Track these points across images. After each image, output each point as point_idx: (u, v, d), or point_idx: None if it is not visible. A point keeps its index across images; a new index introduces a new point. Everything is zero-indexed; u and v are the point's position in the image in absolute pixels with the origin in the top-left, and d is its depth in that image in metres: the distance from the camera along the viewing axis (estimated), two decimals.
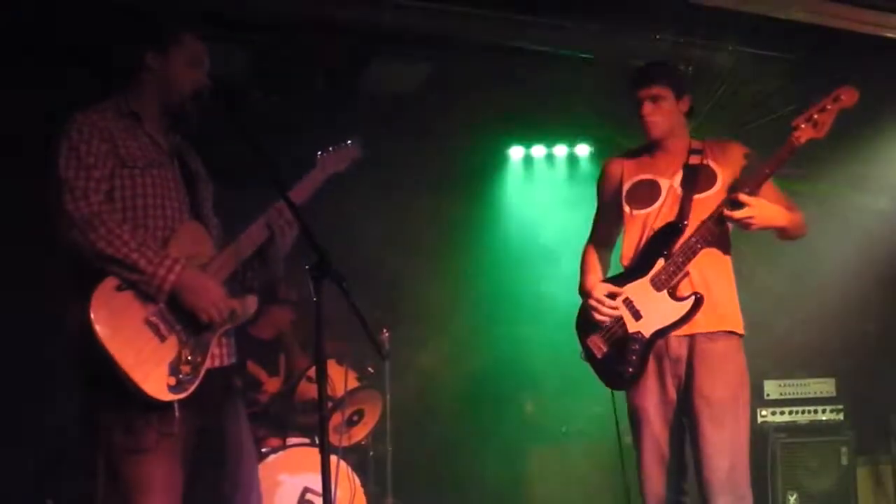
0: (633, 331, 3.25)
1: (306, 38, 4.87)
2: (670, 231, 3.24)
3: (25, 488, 4.75)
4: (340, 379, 4.51)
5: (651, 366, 3.25)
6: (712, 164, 3.31)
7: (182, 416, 2.63)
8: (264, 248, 2.92)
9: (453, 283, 6.32)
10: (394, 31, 4.61)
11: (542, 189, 6.70)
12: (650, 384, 3.26)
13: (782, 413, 5.35)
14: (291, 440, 4.55)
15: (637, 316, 3.26)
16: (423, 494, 5.67)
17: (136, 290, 2.61)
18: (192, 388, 2.65)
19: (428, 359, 6.27)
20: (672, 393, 3.24)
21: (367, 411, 4.90)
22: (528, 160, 6.79)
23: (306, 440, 4.55)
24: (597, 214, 3.59)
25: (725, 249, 3.30)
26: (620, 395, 3.37)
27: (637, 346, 3.24)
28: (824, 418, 5.40)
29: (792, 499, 5.16)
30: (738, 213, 3.10)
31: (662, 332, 3.21)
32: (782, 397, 5.39)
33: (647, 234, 3.30)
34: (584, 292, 3.41)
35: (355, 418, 4.84)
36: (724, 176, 3.28)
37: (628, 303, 3.28)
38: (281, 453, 4.36)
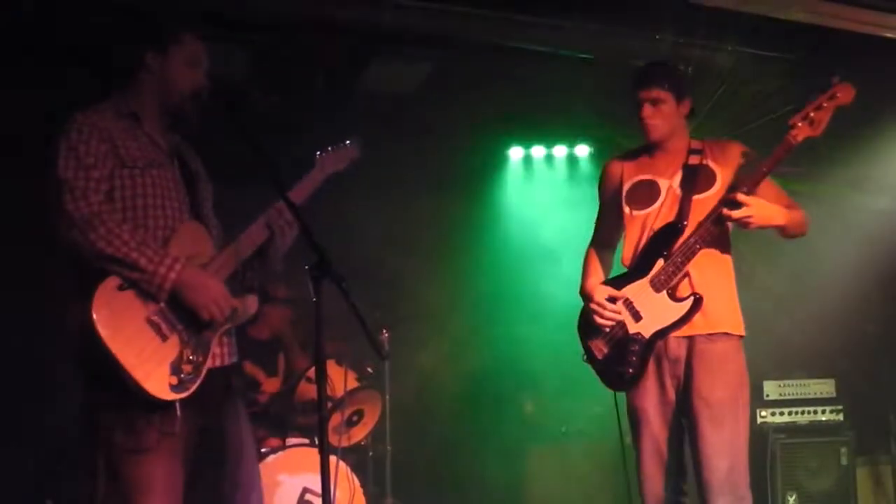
0: (633, 332, 3.25)
1: (306, 38, 4.86)
2: (670, 231, 3.24)
3: (25, 488, 4.75)
4: (340, 379, 4.51)
5: (650, 367, 3.25)
6: (711, 164, 3.31)
7: (183, 416, 2.63)
8: (264, 247, 2.92)
9: (453, 283, 6.32)
10: (394, 31, 4.60)
11: (542, 189, 6.70)
12: (649, 385, 3.26)
13: (782, 413, 5.35)
14: (291, 440, 4.56)
15: (637, 317, 3.26)
16: (422, 495, 5.67)
17: (138, 289, 2.61)
18: (194, 387, 2.65)
19: (427, 359, 6.27)
20: (671, 394, 3.24)
21: (367, 412, 4.91)
22: (527, 160, 6.79)
23: (306, 440, 4.55)
24: (598, 216, 3.59)
25: (725, 249, 3.29)
26: (622, 395, 3.37)
27: (637, 347, 3.24)
28: (824, 419, 5.40)
29: (791, 499, 5.16)
30: (736, 213, 3.10)
31: (662, 333, 3.21)
32: (782, 398, 5.40)
33: (647, 234, 3.30)
34: (585, 295, 3.41)
35: (355, 419, 4.84)
36: (723, 176, 3.28)
37: (628, 304, 3.28)
38: (280, 453, 4.36)
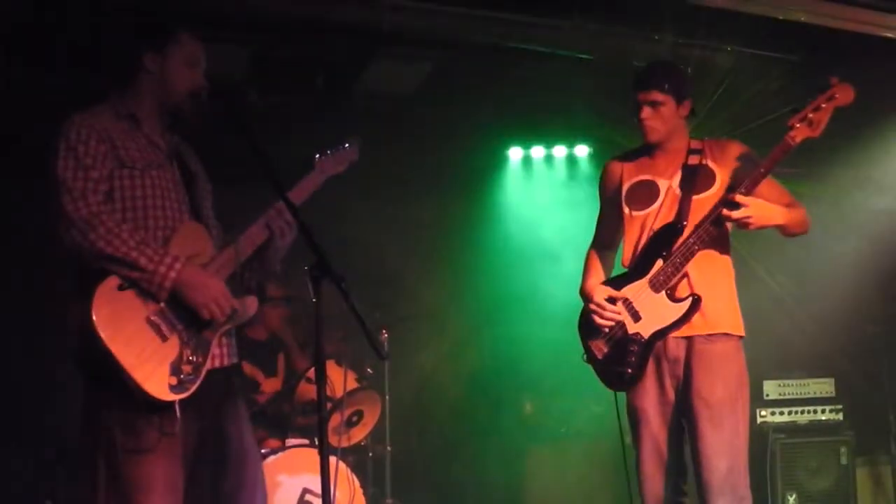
0: (632, 332, 3.26)
1: (306, 38, 4.86)
2: (669, 232, 3.24)
3: (25, 488, 4.75)
4: (340, 380, 4.51)
5: (650, 367, 3.25)
6: (711, 164, 3.30)
7: (183, 416, 2.63)
8: (263, 248, 2.92)
9: (452, 283, 6.33)
10: (394, 32, 4.60)
11: (542, 190, 6.70)
12: (649, 385, 3.26)
13: (782, 413, 5.35)
14: (290, 441, 4.56)
15: (636, 317, 3.26)
16: (422, 495, 5.68)
17: (138, 289, 2.61)
18: (194, 387, 2.65)
19: (427, 359, 6.28)
20: (671, 394, 3.24)
21: (367, 412, 4.91)
22: (527, 160, 6.80)
23: (305, 441, 4.55)
24: (599, 216, 3.59)
25: (725, 250, 3.29)
26: (622, 394, 3.37)
27: (636, 347, 3.24)
28: (823, 418, 5.39)
29: (791, 499, 5.16)
30: (734, 214, 3.10)
31: (661, 334, 3.22)
32: (781, 397, 5.39)
33: (647, 234, 3.30)
34: (585, 295, 3.41)
35: (354, 419, 4.84)
36: (722, 176, 3.27)
37: (628, 304, 3.28)
38: (280, 454, 4.36)
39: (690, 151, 3.35)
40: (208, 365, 2.72)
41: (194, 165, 2.97)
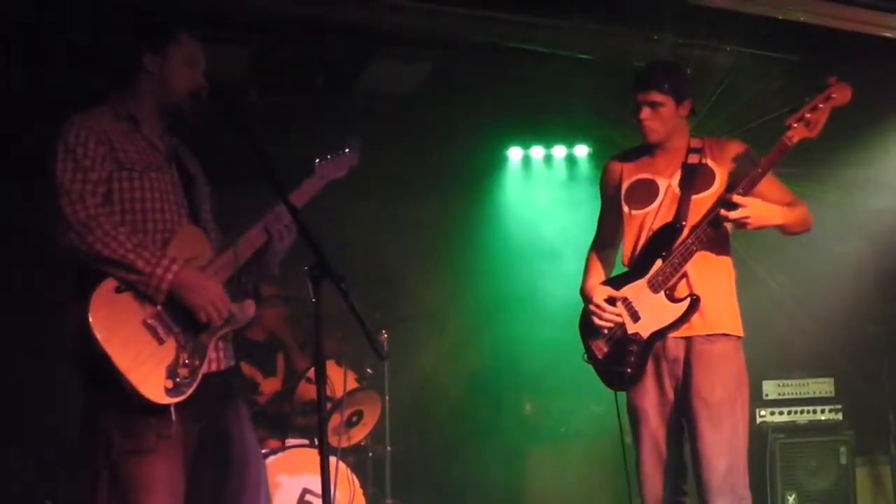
0: (631, 332, 3.26)
1: (306, 38, 4.86)
2: (668, 232, 3.24)
3: (25, 488, 4.75)
4: (339, 380, 4.51)
5: (649, 366, 3.25)
6: (711, 164, 3.30)
7: (180, 419, 2.63)
8: (261, 252, 2.91)
9: (452, 283, 6.33)
10: (394, 32, 4.60)
11: (541, 190, 6.70)
12: (649, 385, 3.26)
13: (781, 413, 5.35)
14: (290, 441, 4.56)
15: (635, 317, 3.26)
16: (422, 495, 5.68)
17: (135, 291, 2.61)
18: (190, 391, 2.65)
19: (427, 359, 6.28)
20: (670, 393, 3.24)
21: (367, 412, 4.91)
22: (526, 161, 6.80)
23: (305, 441, 4.55)
24: (600, 215, 3.59)
25: (724, 250, 3.29)
26: (622, 394, 3.37)
27: (635, 348, 3.24)
28: (823, 418, 5.39)
29: (791, 499, 5.16)
30: (732, 214, 3.09)
31: (660, 334, 3.22)
32: (781, 397, 5.39)
33: (646, 234, 3.30)
34: (585, 295, 3.41)
35: (354, 419, 4.84)
36: (722, 175, 3.26)
37: (627, 304, 3.29)
38: (280, 454, 4.36)
39: (690, 150, 3.34)
40: (205, 368, 2.72)
41: (193, 168, 2.97)
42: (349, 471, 4.47)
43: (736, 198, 3.08)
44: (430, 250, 6.18)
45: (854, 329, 5.90)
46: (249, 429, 2.92)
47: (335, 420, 4.59)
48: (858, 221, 5.92)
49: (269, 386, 5.05)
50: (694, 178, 3.27)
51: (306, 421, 4.72)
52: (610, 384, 3.37)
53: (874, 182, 5.88)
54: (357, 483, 4.49)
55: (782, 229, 3.24)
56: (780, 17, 4.64)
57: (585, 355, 3.41)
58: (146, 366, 2.57)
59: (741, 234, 3.29)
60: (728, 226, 3.23)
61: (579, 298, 3.46)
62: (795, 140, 3.04)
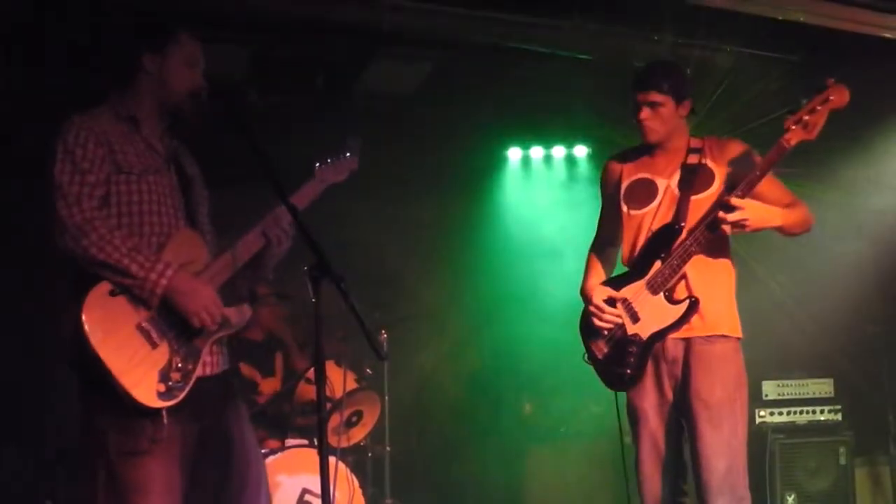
0: (631, 333, 3.26)
1: (306, 38, 4.86)
2: (667, 233, 3.24)
3: (25, 488, 4.75)
4: (339, 380, 4.51)
5: (649, 367, 3.25)
6: (710, 164, 3.29)
7: (176, 420, 2.63)
8: (258, 256, 2.91)
9: (452, 283, 6.33)
10: (394, 32, 4.60)
11: (541, 190, 6.71)
12: (648, 385, 3.26)
13: (780, 413, 5.35)
14: (290, 441, 4.56)
15: (635, 318, 3.26)
16: (421, 495, 5.68)
17: (130, 295, 2.61)
18: (182, 395, 2.65)
19: (427, 359, 6.29)
20: (669, 394, 3.24)
21: (366, 412, 4.91)
22: (526, 161, 6.80)
23: (305, 441, 4.55)
24: (601, 214, 3.59)
25: (724, 251, 3.29)
26: (622, 394, 3.37)
27: (635, 349, 3.24)
28: (822, 419, 5.39)
29: (790, 499, 5.16)
30: (730, 217, 3.07)
31: (659, 335, 3.22)
32: (780, 398, 5.39)
33: (645, 234, 3.30)
34: (585, 295, 3.42)
35: (354, 419, 4.84)
36: (721, 175, 3.26)
37: (627, 304, 3.28)
38: (279, 454, 4.36)
39: (690, 150, 3.33)
40: (199, 372, 2.72)
41: (192, 170, 2.96)
42: (349, 471, 4.47)
43: (734, 200, 3.07)
44: (430, 250, 6.18)
45: (854, 329, 5.90)
46: (249, 429, 2.93)
47: (335, 420, 4.59)
48: (858, 221, 5.92)
49: (269, 386, 5.04)
50: (693, 179, 3.27)
51: (306, 421, 4.72)
52: (610, 385, 3.37)
53: (874, 182, 5.88)
54: (356, 483, 4.49)
55: (781, 230, 3.23)
56: (780, 18, 4.64)
57: (586, 356, 3.41)
58: (139, 369, 2.58)
59: (741, 235, 3.28)
60: (726, 228, 3.22)
61: (579, 298, 3.47)
62: (793, 142, 3.04)
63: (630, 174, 3.41)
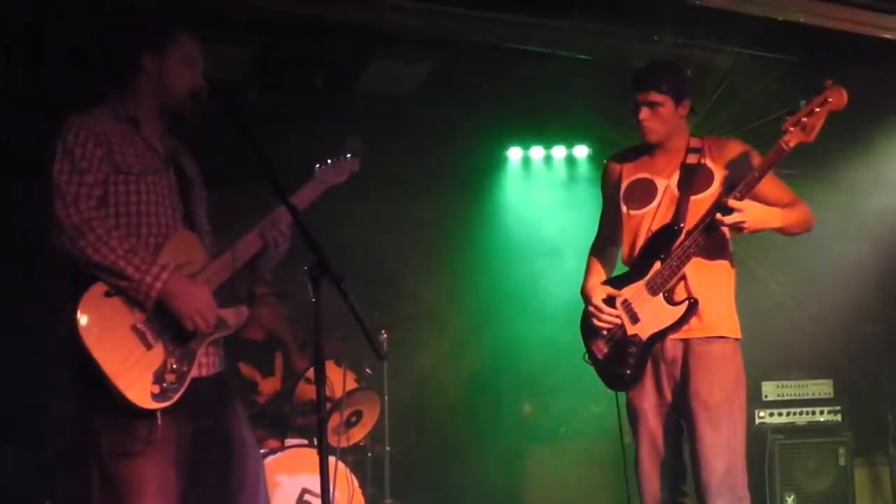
0: (630, 333, 3.26)
1: (306, 38, 4.86)
2: (667, 234, 3.24)
3: (25, 488, 4.75)
4: (339, 380, 4.51)
5: (648, 368, 3.26)
6: (709, 164, 3.29)
7: (172, 420, 2.64)
8: (255, 257, 2.91)
9: (452, 283, 6.33)
10: (394, 32, 4.60)
11: (541, 190, 6.71)
12: (647, 385, 3.27)
13: (780, 414, 5.36)
14: (290, 441, 4.56)
15: (634, 319, 3.26)
16: (421, 495, 5.68)
17: (125, 296, 2.62)
18: (177, 396, 2.65)
19: (427, 359, 6.28)
20: (668, 394, 3.25)
21: (366, 412, 4.91)
22: (526, 161, 6.80)
23: (304, 441, 4.55)
24: (601, 213, 3.59)
25: (724, 252, 3.29)
26: (622, 394, 3.38)
27: (634, 349, 3.24)
28: (822, 419, 5.40)
29: (790, 500, 5.16)
30: (728, 219, 3.08)
31: (659, 336, 3.22)
32: (780, 398, 5.40)
33: (645, 234, 3.30)
34: (584, 295, 3.42)
35: (354, 419, 4.84)
36: (721, 176, 3.26)
37: (626, 305, 3.29)
38: (279, 454, 4.36)
39: (689, 150, 3.33)
40: (194, 373, 2.72)
41: (191, 171, 2.96)
42: (348, 471, 4.47)
43: (731, 202, 3.07)
44: (430, 250, 6.18)
45: (854, 329, 5.91)
46: (247, 428, 2.93)
47: (334, 420, 4.59)
48: (859, 222, 5.92)
49: (268, 386, 5.04)
50: (692, 179, 3.27)
51: (305, 421, 4.72)
52: (610, 385, 3.38)
53: (874, 182, 5.88)
54: (356, 483, 4.49)
55: (781, 231, 3.23)
56: (780, 18, 4.64)
57: (586, 356, 3.42)
58: (133, 370, 2.58)
59: (740, 235, 3.29)
60: (725, 229, 3.22)
61: (579, 298, 3.47)
62: (792, 144, 3.04)
63: (629, 174, 3.41)
